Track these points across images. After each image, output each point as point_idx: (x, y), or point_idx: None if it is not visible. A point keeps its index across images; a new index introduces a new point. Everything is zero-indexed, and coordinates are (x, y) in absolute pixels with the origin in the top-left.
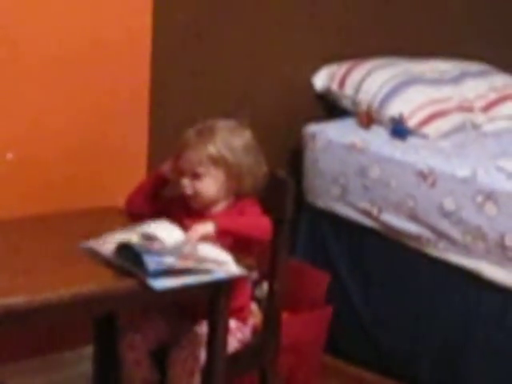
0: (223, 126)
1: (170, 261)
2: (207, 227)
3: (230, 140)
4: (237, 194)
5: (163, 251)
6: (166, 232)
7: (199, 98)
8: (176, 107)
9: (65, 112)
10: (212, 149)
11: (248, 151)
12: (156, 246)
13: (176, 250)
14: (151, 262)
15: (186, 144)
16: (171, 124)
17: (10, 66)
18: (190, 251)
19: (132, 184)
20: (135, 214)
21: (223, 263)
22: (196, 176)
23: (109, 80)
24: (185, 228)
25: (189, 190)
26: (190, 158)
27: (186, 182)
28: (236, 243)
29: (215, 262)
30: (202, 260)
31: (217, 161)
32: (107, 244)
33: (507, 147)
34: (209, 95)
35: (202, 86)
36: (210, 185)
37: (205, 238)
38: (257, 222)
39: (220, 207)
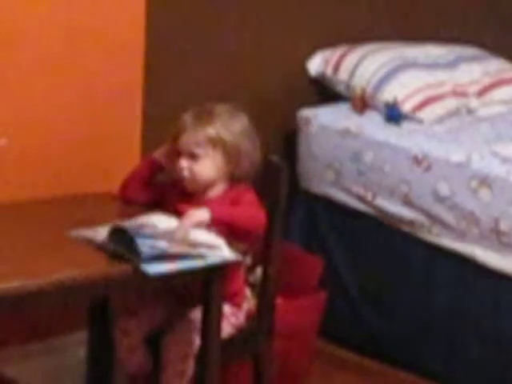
0: (222, 109)
1: (162, 245)
2: (203, 214)
3: (229, 123)
4: (232, 179)
5: (155, 235)
6: (159, 220)
7: (192, 83)
8: (170, 92)
9: (57, 99)
10: (211, 130)
11: (246, 135)
12: (148, 230)
13: (168, 234)
14: (144, 246)
15: (184, 126)
16: (165, 109)
17: (5, 56)
18: (183, 236)
19: (126, 169)
20: (130, 200)
21: (216, 248)
22: (193, 157)
23: (102, 66)
24: (179, 214)
25: (185, 172)
26: (188, 140)
27: (183, 163)
28: (230, 232)
29: (208, 246)
30: (195, 244)
31: (215, 142)
32: (101, 230)
33: (502, 132)
34: (202, 80)
35: (196, 71)
36: (207, 167)
37: (199, 225)
38: (252, 214)
39: (215, 192)
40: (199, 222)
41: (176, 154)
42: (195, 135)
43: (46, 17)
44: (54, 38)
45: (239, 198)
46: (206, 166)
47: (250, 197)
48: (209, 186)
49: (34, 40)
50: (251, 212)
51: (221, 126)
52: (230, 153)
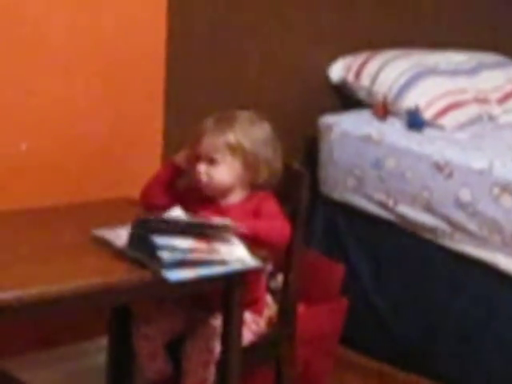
0: (243, 116)
1: (183, 245)
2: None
3: (250, 130)
4: (252, 186)
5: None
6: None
7: (214, 88)
8: (191, 97)
9: (79, 103)
10: (231, 136)
11: (267, 143)
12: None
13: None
14: (165, 252)
15: (204, 131)
16: (186, 115)
17: (27, 60)
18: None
19: (147, 175)
20: (150, 205)
21: (238, 254)
22: (212, 162)
23: (124, 73)
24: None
25: (203, 176)
26: (207, 144)
27: (201, 168)
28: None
29: (230, 252)
30: (216, 251)
31: (234, 149)
32: (121, 235)
33: None
34: (224, 86)
35: (218, 77)
36: (225, 172)
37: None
38: (277, 227)
39: (235, 198)
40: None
41: (195, 158)
42: (214, 140)
43: (69, 22)
44: (76, 44)
45: (261, 206)
46: (223, 172)
47: (272, 206)
48: (227, 191)
49: (55, 45)
50: (276, 224)
51: (240, 132)
52: (249, 160)
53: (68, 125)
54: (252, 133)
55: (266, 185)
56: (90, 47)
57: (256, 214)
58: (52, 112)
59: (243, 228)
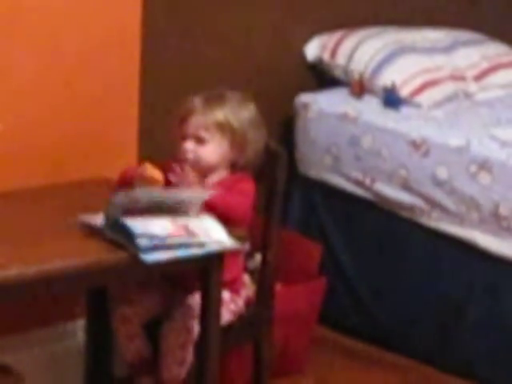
0: (231, 95)
1: (159, 231)
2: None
3: (238, 110)
4: (234, 167)
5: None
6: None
7: (189, 70)
8: (167, 79)
9: (54, 84)
10: (220, 115)
11: (253, 125)
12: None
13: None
14: (143, 240)
15: (192, 109)
16: (162, 97)
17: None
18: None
19: (123, 156)
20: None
21: (215, 236)
22: (200, 141)
23: (100, 50)
24: None
25: (190, 154)
26: (196, 123)
27: (188, 146)
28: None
29: (207, 234)
30: (194, 233)
31: (223, 128)
32: (99, 216)
33: (500, 116)
34: (199, 67)
35: (193, 56)
36: (213, 151)
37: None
38: (237, 203)
39: (215, 178)
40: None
41: (181, 136)
42: (203, 119)
43: (44, 2)
44: (51, 24)
45: (235, 184)
46: (210, 151)
47: (245, 185)
48: (210, 171)
49: (29, 26)
50: (236, 200)
51: (230, 111)
52: (236, 140)
53: (44, 106)
54: (240, 112)
55: (248, 166)
56: (64, 27)
57: (227, 189)
58: (27, 93)
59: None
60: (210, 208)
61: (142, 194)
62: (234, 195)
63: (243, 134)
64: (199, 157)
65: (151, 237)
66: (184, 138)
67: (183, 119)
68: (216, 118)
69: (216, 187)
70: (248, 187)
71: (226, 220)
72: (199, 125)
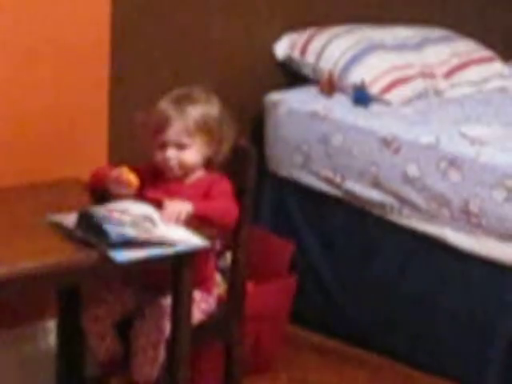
0: (197, 93)
1: (130, 232)
2: (186, 207)
3: (210, 107)
4: (208, 164)
5: (123, 222)
6: (132, 206)
7: (158, 66)
8: (136, 77)
9: (26, 84)
10: (196, 115)
11: (225, 118)
12: (115, 215)
13: (136, 222)
14: (112, 233)
15: (167, 118)
16: (132, 94)
17: None
18: (150, 228)
19: (95, 155)
20: (98, 188)
21: (186, 234)
22: (181, 146)
23: (70, 51)
24: (150, 200)
25: (173, 162)
26: (176, 130)
27: (171, 154)
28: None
29: (176, 233)
30: (163, 233)
31: (201, 127)
32: (70, 216)
33: (470, 113)
34: (168, 63)
35: (161, 55)
36: (195, 153)
37: (181, 217)
38: (227, 209)
39: (192, 179)
40: (183, 215)
41: (159, 145)
42: (183, 123)
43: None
44: (23, 25)
45: (213, 187)
46: (193, 154)
47: (223, 186)
48: (190, 172)
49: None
50: (226, 206)
51: (202, 110)
52: (214, 136)
53: (16, 105)
54: (212, 109)
55: (223, 161)
56: (36, 33)
57: (206, 194)
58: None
59: (198, 209)
60: (206, 219)
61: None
62: (221, 201)
63: (219, 129)
64: (182, 162)
65: (122, 235)
66: (163, 146)
67: (159, 128)
68: (194, 120)
69: (192, 193)
70: (225, 190)
71: (223, 226)
72: (179, 131)
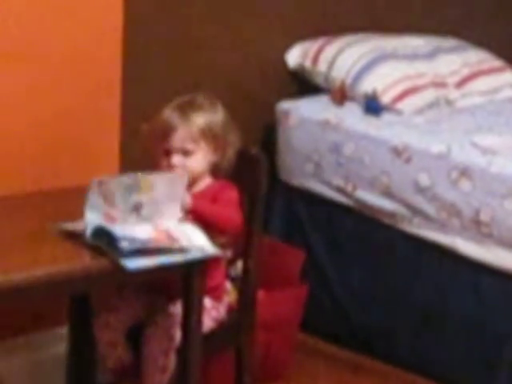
0: (201, 100)
1: (142, 236)
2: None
3: (214, 113)
4: (215, 171)
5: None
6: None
7: (171, 74)
8: (147, 84)
9: (37, 90)
10: (201, 122)
11: (229, 124)
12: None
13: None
14: (125, 243)
15: (171, 125)
16: (143, 101)
17: None
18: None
19: (105, 164)
20: None
21: (197, 242)
22: (186, 153)
23: (81, 57)
24: None
25: (179, 169)
26: (181, 136)
27: (176, 161)
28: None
29: (189, 240)
30: (175, 239)
31: (206, 134)
32: (82, 223)
33: (481, 123)
34: (181, 71)
35: (174, 63)
36: (201, 160)
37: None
38: (228, 215)
39: (201, 186)
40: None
41: (164, 152)
42: (188, 130)
43: (24, 9)
44: (33, 30)
45: (220, 193)
46: (198, 160)
47: (230, 194)
48: (197, 179)
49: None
50: (227, 212)
51: (207, 116)
52: (219, 143)
53: (24, 115)
54: (216, 115)
55: (229, 168)
56: (49, 36)
57: (213, 200)
58: (9, 103)
59: (197, 205)
60: (204, 219)
61: None
62: (224, 207)
63: (224, 136)
64: (188, 169)
65: (132, 240)
66: (168, 153)
67: (164, 136)
68: (198, 126)
69: (202, 197)
70: (231, 197)
71: (221, 232)
72: (184, 137)
